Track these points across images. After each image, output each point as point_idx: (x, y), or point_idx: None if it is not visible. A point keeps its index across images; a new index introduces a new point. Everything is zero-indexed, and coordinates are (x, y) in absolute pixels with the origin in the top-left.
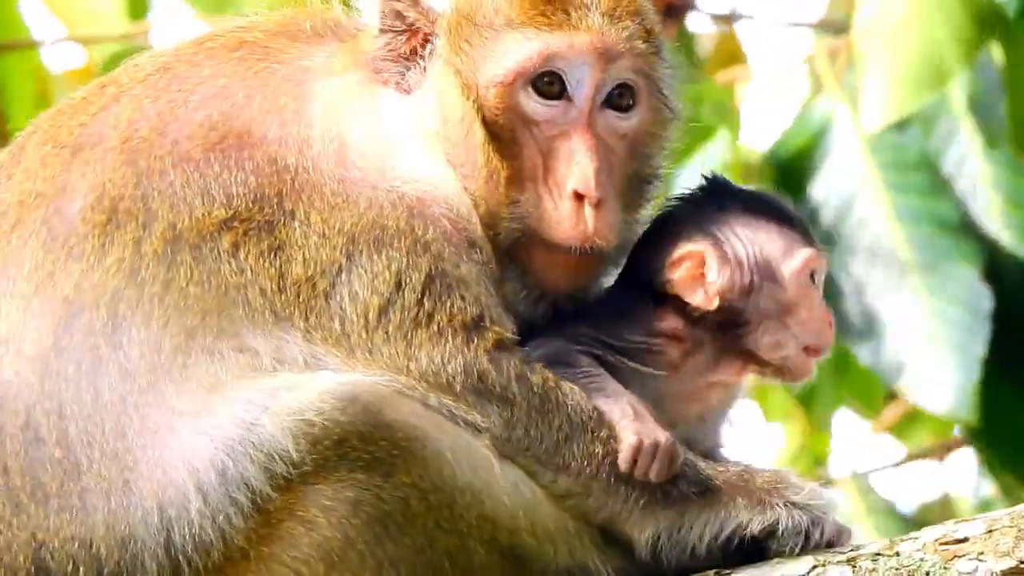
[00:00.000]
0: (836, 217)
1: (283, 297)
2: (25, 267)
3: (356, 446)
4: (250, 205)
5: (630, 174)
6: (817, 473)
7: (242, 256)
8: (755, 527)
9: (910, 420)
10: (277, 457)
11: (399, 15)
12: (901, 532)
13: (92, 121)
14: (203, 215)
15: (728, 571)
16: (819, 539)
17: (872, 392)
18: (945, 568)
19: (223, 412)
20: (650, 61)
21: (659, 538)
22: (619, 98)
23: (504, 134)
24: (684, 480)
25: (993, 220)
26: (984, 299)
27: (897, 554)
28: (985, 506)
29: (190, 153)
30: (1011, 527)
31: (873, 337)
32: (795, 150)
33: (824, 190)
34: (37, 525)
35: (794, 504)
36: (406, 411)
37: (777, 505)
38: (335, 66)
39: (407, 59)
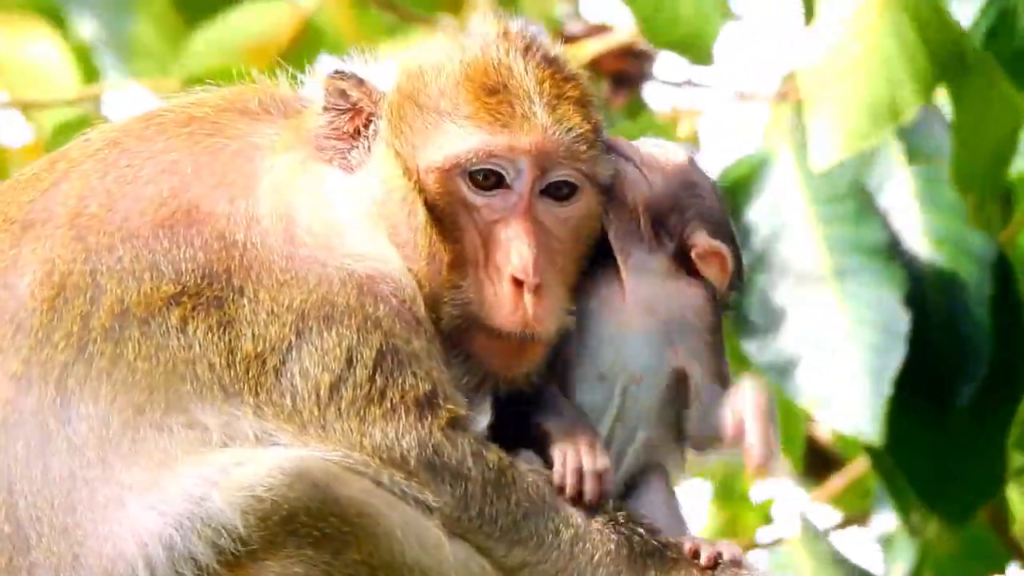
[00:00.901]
0: (767, 243)
1: (232, 372)
2: None
3: (305, 522)
4: (199, 281)
5: (573, 257)
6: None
7: (191, 331)
8: None
9: (849, 490)
10: (225, 533)
11: (343, 94)
12: None
13: (42, 197)
14: (151, 290)
15: None
16: None
17: (793, 433)
18: None
19: (172, 487)
20: (591, 158)
21: None
22: (557, 190)
23: (445, 218)
24: (643, 546)
25: (921, 245)
26: (902, 322)
27: None
28: (888, 541)
29: (139, 229)
30: None
31: (792, 362)
32: (735, 179)
33: (759, 216)
34: None
35: None
36: (357, 488)
37: None
38: (281, 143)
39: (351, 138)
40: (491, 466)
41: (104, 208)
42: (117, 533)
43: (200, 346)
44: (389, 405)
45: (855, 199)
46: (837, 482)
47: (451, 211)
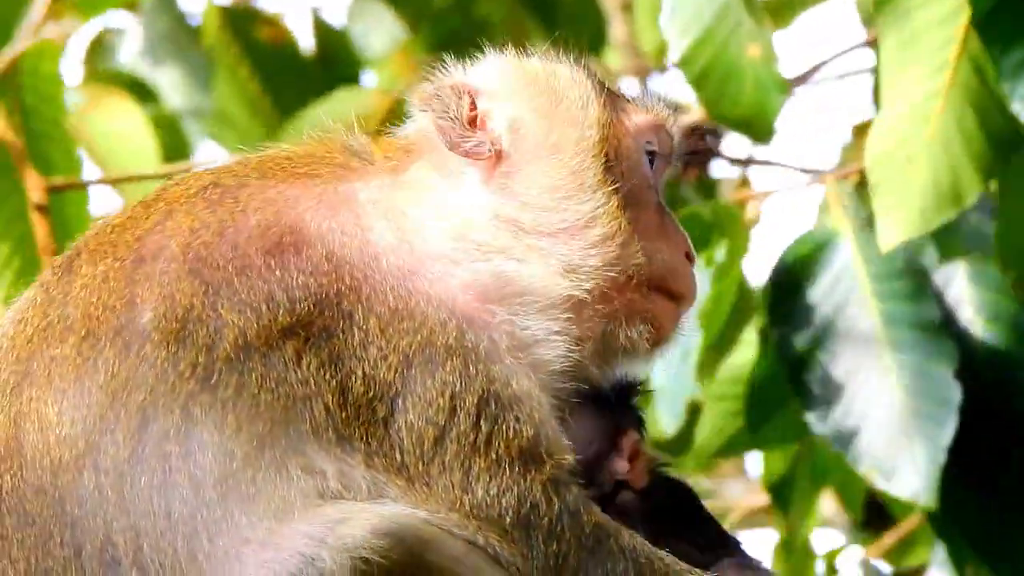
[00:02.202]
0: (829, 319)
1: (344, 416)
2: (100, 377)
3: None
4: (311, 309)
5: None
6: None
7: (304, 366)
8: None
9: (902, 546)
10: None
11: (437, 98)
12: None
13: (148, 234)
14: (269, 321)
15: None
16: None
17: (854, 487)
18: None
19: (287, 546)
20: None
21: None
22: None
23: (625, 176)
24: None
25: (973, 322)
26: (954, 393)
27: None
28: None
29: (251, 259)
30: None
31: (851, 430)
32: (797, 257)
33: (820, 293)
34: None
35: None
36: (447, 554)
37: None
38: (379, 171)
39: (472, 127)
40: (587, 529)
41: (216, 238)
42: None
43: (314, 383)
44: (494, 456)
45: (911, 277)
46: (891, 537)
47: (629, 172)
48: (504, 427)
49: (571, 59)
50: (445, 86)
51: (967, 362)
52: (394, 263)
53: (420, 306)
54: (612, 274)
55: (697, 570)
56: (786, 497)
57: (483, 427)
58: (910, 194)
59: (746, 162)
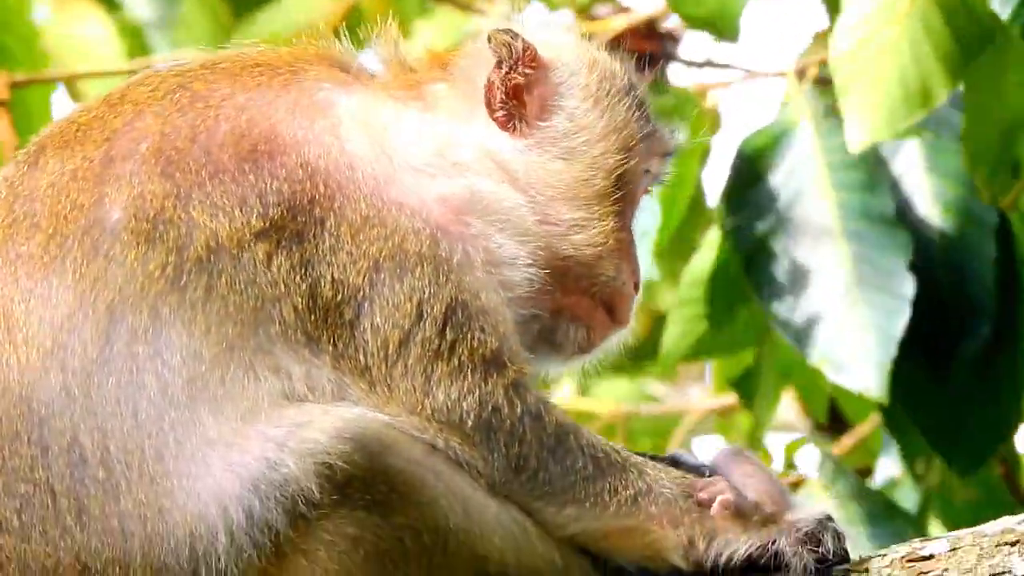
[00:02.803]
0: (787, 207)
1: (313, 318)
2: (68, 277)
3: (358, 487)
4: (284, 214)
5: None
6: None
7: (275, 268)
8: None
9: (857, 449)
10: (300, 500)
11: (509, 49)
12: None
13: (117, 135)
14: (242, 225)
15: None
16: (828, 548)
17: (817, 387)
18: None
19: (252, 448)
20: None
21: (689, 548)
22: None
23: (621, 197)
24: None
25: (930, 210)
26: (907, 285)
27: (867, 570)
28: (891, 485)
29: (225, 164)
30: (973, 546)
31: (805, 322)
32: (756, 147)
33: (778, 181)
34: (81, 547)
35: (796, 523)
36: (406, 457)
37: (779, 528)
38: (356, 86)
39: (515, 92)
40: (549, 429)
41: (188, 143)
42: (200, 492)
43: (284, 284)
44: (456, 363)
45: (869, 167)
46: (847, 441)
47: (627, 194)
48: (469, 336)
49: (630, 65)
50: (519, 46)
51: (922, 252)
52: (369, 173)
53: (392, 214)
54: (576, 272)
55: (651, 460)
56: (750, 391)
57: (448, 334)
58: (877, 94)
59: (703, 64)
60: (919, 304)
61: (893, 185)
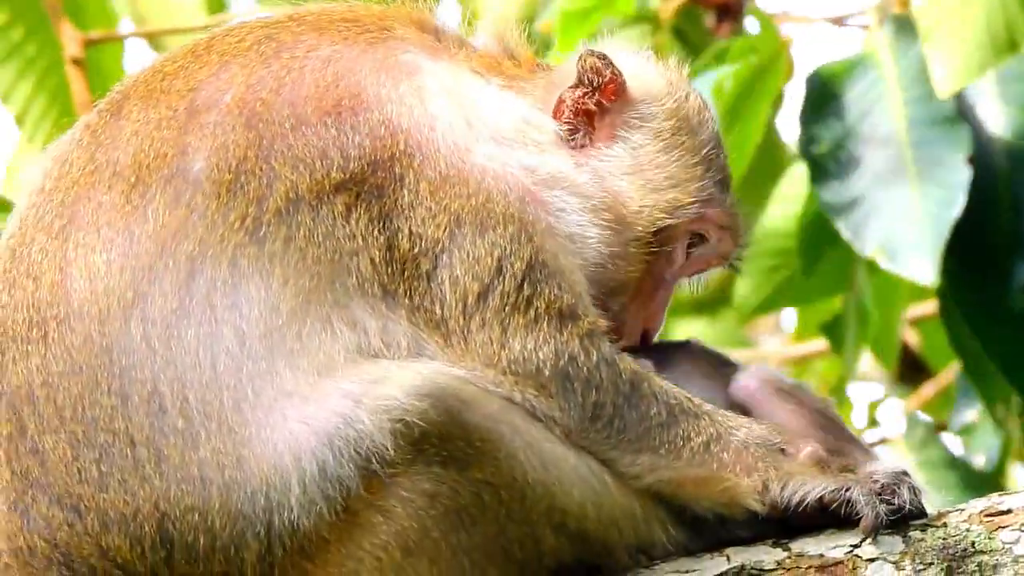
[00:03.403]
0: (859, 118)
1: (389, 271)
2: (149, 226)
3: (435, 443)
4: (364, 168)
5: None
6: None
7: (354, 221)
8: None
9: (943, 397)
10: (374, 457)
11: (597, 73)
12: (958, 485)
13: (201, 85)
14: (322, 177)
15: (786, 540)
16: (904, 500)
17: (888, 341)
18: (990, 538)
19: (326, 402)
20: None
21: (764, 492)
22: (700, 270)
23: (657, 247)
24: (771, 445)
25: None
26: (962, 176)
27: (945, 524)
28: (968, 429)
29: (307, 117)
30: None
31: (863, 217)
32: (835, 70)
33: (854, 98)
34: (160, 495)
35: (873, 474)
36: (483, 413)
37: (856, 478)
38: (445, 51)
39: (585, 116)
40: (624, 376)
41: (273, 95)
42: (276, 443)
43: (362, 238)
44: (532, 315)
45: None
46: (929, 389)
47: (662, 246)
48: (547, 291)
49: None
50: (606, 75)
51: (986, 168)
52: (451, 138)
53: (475, 175)
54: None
55: (721, 409)
56: (840, 337)
57: (525, 289)
58: (963, 39)
59: (782, 17)
60: (979, 223)
61: (966, 107)
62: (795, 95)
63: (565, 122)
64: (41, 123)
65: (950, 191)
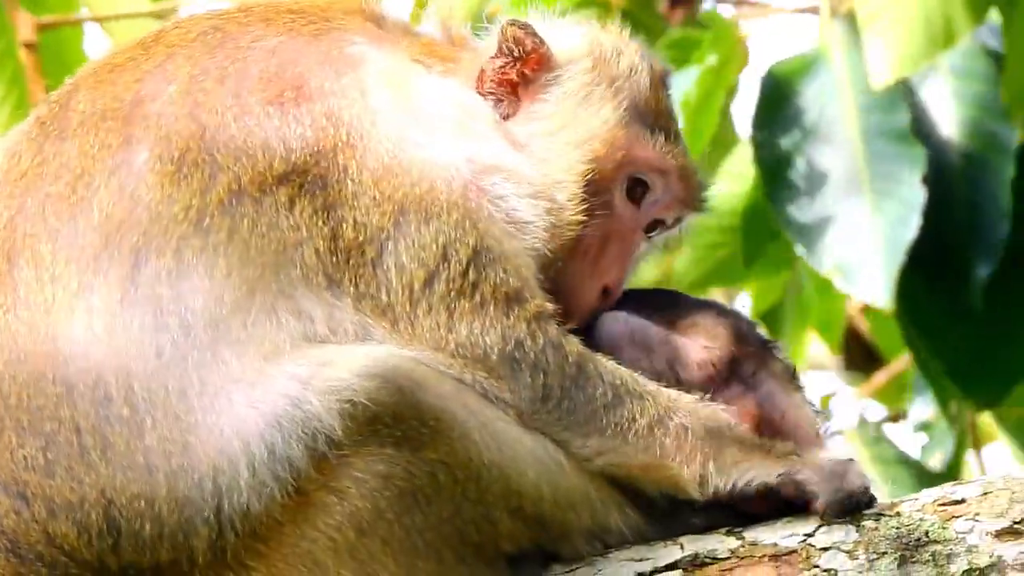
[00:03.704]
0: (814, 125)
1: (335, 260)
2: (95, 217)
3: (387, 423)
4: (307, 159)
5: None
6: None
7: (297, 212)
8: (784, 479)
9: (891, 385)
10: (322, 437)
11: (518, 42)
12: (910, 482)
13: (148, 76)
14: (264, 168)
15: (739, 529)
16: (853, 486)
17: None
18: (943, 527)
19: (273, 385)
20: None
21: (705, 480)
22: (663, 225)
23: (590, 199)
24: (722, 427)
25: (953, 133)
26: (917, 195)
27: (898, 514)
28: (926, 426)
29: (250, 107)
30: (1005, 490)
31: (819, 232)
32: (789, 70)
33: (807, 101)
34: (106, 483)
35: (820, 460)
36: (436, 393)
37: (802, 461)
38: (387, 44)
39: (510, 86)
40: (571, 359)
41: (216, 85)
42: (223, 427)
43: (306, 228)
44: (478, 299)
45: (893, 92)
46: (880, 377)
47: (599, 198)
48: (492, 275)
49: (639, 52)
50: (527, 44)
51: (940, 172)
52: (392, 130)
53: (418, 164)
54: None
55: (665, 389)
56: (777, 324)
57: (471, 275)
58: (901, 31)
59: (737, 2)
60: (934, 224)
61: (918, 108)
62: (749, 83)
63: (488, 93)
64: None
65: (906, 210)
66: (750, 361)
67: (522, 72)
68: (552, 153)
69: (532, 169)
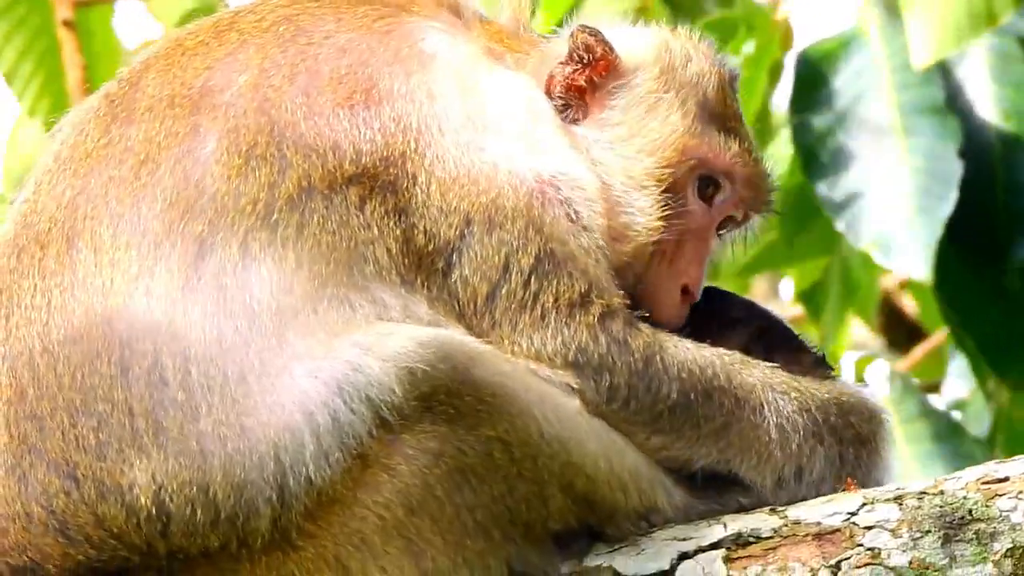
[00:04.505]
0: (850, 105)
1: (406, 262)
2: (157, 205)
3: (442, 399)
4: (376, 163)
5: None
6: None
7: (368, 211)
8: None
9: (928, 360)
10: (384, 404)
11: (588, 48)
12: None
13: (218, 64)
14: (334, 167)
15: (783, 508)
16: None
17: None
18: (986, 506)
19: (337, 355)
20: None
21: (779, 484)
22: (733, 222)
23: (666, 203)
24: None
25: (991, 113)
26: (955, 170)
27: (941, 492)
28: (960, 404)
29: (321, 107)
30: None
31: (856, 209)
32: (826, 50)
33: (844, 82)
34: (157, 468)
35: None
36: (494, 370)
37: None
38: (461, 35)
39: (578, 91)
40: (637, 354)
41: (287, 82)
42: (284, 402)
43: (377, 228)
44: (539, 312)
45: (929, 70)
46: (917, 353)
47: (673, 202)
48: (554, 283)
49: (710, 54)
50: (597, 51)
51: (979, 153)
52: (460, 137)
53: (486, 172)
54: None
55: (747, 359)
56: (818, 305)
57: (532, 285)
58: (942, 11)
59: None
60: (972, 204)
61: (955, 88)
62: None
63: (557, 97)
64: (28, 85)
65: (944, 184)
66: (779, 358)
67: (591, 78)
68: (624, 160)
69: (602, 175)
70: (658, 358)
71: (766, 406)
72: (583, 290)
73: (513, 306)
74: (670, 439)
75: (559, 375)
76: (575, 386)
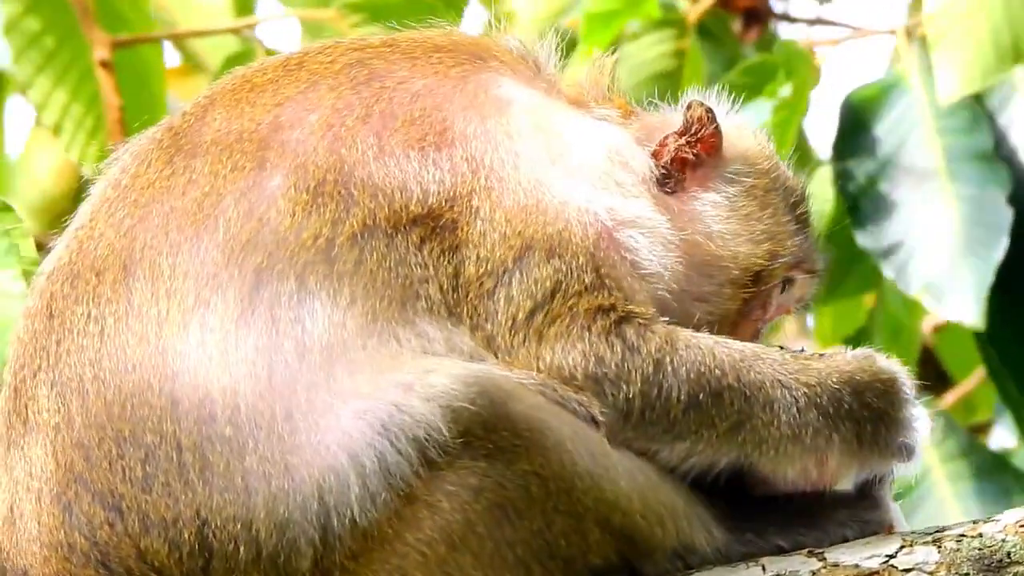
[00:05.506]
0: (892, 152)
1: (455, 296)
2: (219, 236)
3: (479, 435)
4: (442, 203)
5: None
6: None
7: (426, 251)
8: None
9: (966, 402)
10: (429, 442)
11: (699, 122)
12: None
13: (288, 102)
14: (400, 208)
15: (821, 551)
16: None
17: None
18: None
19: (380, 396)
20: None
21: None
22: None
23: (755, 294)
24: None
25: None
26: (1005, 216)
27: (980, 535)
28: (1007, 454)
29: (392, 148)
30: None
31: (905, 257)
32: (864, 98)
33: (885, 130)
34: (202, 503)
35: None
36: (528, 404)
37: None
38: (540, 83)
39: (681, 163)
40: (648, 359)
41: (359, 123)
42: (329, 443)
43: (433, 267)
44: (567, 321)
45: (970, 110)
46: (953, 396)
47: (760, 292)
48: (586, 297)
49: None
50: (709, 129)
51: (1019, 189)
52: (534, 173)
53: (556, 205)
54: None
55: (759, 351)
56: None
57: (570, 302)
58: (969, 48)
59: (811, 22)
60: (1017, 249)
61: (999, 133)
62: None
63: (663, 166)
64: (78, 131)
65: (993, 231)
66: None
67: (697, 153)
68: (722, 237)
69: (682, 232)
70: (668, 360)
71: (776, 403)
72: (611, 302)
73: (547, 320)
74: (692, 443)
75: (584, 399)
76: (599, 412)
